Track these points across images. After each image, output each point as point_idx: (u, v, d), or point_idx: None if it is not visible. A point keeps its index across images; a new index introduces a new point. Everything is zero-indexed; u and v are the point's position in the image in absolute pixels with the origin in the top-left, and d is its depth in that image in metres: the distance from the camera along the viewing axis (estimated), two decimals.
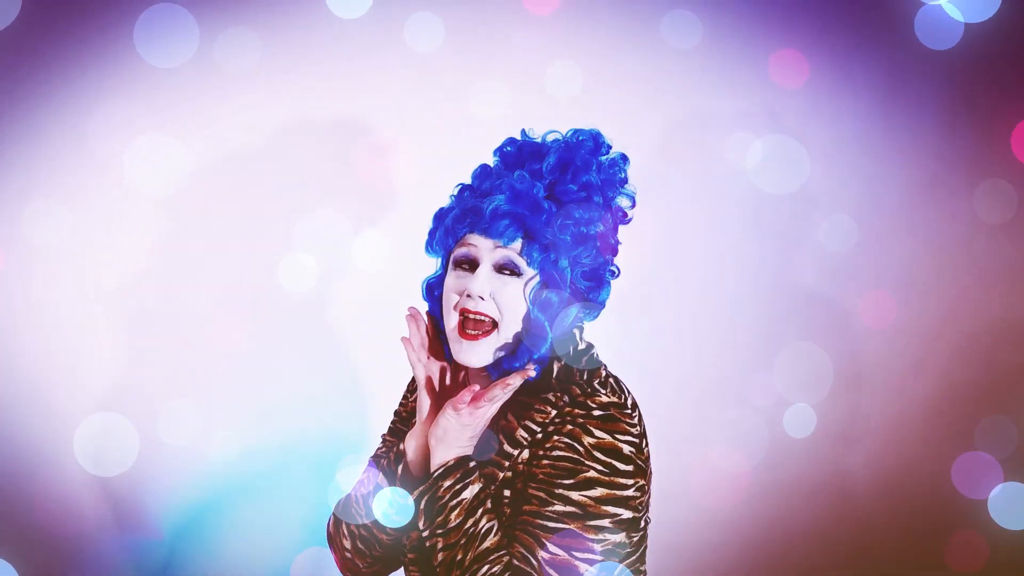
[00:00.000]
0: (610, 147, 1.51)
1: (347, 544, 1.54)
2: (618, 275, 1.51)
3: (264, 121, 2.40)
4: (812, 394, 2.51)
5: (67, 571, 2.38)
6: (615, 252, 1.51)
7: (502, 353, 1.44)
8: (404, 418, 1.68)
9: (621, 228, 1.55)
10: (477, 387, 1.41)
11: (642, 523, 1.45)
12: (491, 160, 1.54)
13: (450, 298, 1.45)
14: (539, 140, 1.51)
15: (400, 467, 1.47)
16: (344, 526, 1.54)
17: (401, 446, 1.49)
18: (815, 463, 2.56)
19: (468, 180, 1.53)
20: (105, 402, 2.38)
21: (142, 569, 2.42)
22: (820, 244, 2.52)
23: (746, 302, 2.54)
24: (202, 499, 2.41)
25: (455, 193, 1.52)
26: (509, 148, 1.51)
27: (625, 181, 1.52)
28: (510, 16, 2.41)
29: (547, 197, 1.44)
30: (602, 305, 1.50)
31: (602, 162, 1.48)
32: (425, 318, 1.51)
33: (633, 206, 1.52)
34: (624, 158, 1.52)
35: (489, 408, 1.41)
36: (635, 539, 1.42)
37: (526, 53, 2.41)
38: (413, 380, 1.70)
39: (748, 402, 2.54)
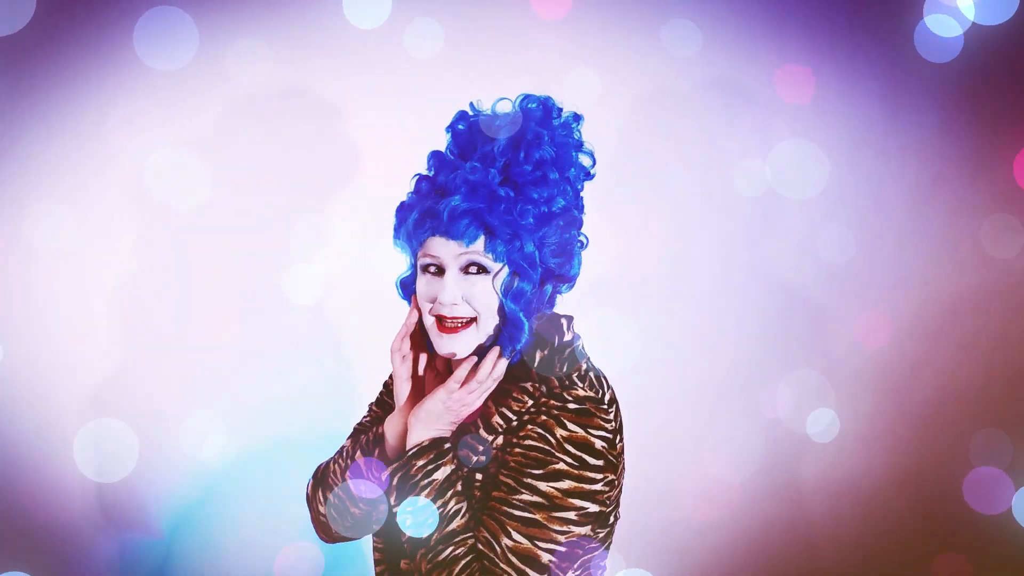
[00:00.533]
0: (560, 110, 1.47)
1: (322, 509, 1.56)
2: (586, 246, 1.49)
3: (268, 122, 2.40)
4: (816, 400, 2.52)
5: (68, 569, 2.39)
6: (580, 224, 1.47)
7: (486, 343, 1.44)
8: (391, 390, 1.67)
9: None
10: (475, 359, 1.42)
11: (611, 519, 1.46)
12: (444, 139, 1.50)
13: (423, 303, 1.44)
14: (489, 112, 1.48)
15: (377, 451, 1.49)
16: (320, 492, 1.56)
17: (380, 428, 1.51)
18: (813, 468, 2.56)
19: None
20: (105, 403, 2.39)
21: (142, 567, 2.44)
22: (824, 250, 2.52)
23: (749, 305, 2.54)
24: (201, 498, 2.43)
25: (413, 183, 1.49)
26: (461, 126, 1.48)
27: (580, 144, 1.47)
28: (520, 21, 2.40)
29: (504, 181, 1.41)
30: (574, 278, 1.48)
31: (555, 127, 1.44)
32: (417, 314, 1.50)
33: (594, 164, 1.48)
34: (576, 118, 1.48)
35: (477, 396, 1.42)
36: (601, 534, 1.43)
37: (538, 58, 2.41)
38: None
39: (749, 407, 2.54)
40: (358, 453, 1.52)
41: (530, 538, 1.35)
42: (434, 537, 1.37)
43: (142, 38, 2.28)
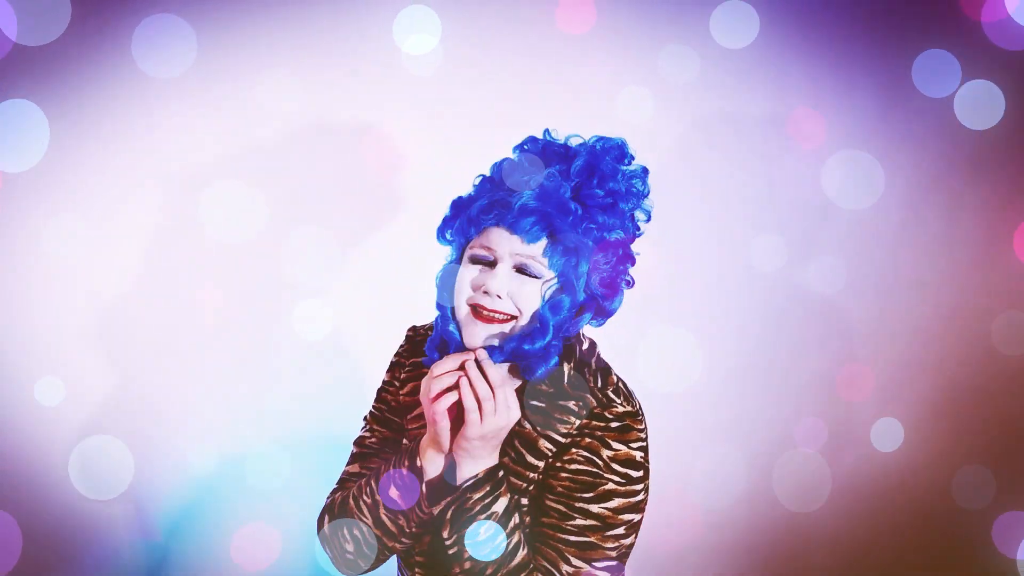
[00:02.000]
0: (633, 158, 1.49)
1: (350, 548, 1.49)
2: (632, 285, 1.49)
3: (278, 130, 2.40)
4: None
5: (67, 570, 2.38)
6: (632, 262, 1.48)
7: (500, 342, 1.42)
8: (395, 408, 1.62)
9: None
10: (454, 394, 1.38)
11: None
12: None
13: (463, 290, 1.42)
14: (562, 141, 1.49)
15: (424, 486, 1.43)
16: (345, 530, 1.49)
17: (419, 461, 1.44)
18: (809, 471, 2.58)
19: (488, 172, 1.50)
20: (106, 405, 2.39)
21: (140, 569, 2.44)
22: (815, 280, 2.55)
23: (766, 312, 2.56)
24: (199, 501, 2.43)
25: (477, 183, 1.48)
26: (528, 147, 1.48)
27: (646, 194, 1.48)
28: (543, 35, 2.39)
29: (572, 199, 1.41)
30: (612, 313, 1.48)
31: (626, 172, 1.46)
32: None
33: (648, 220, 1.50)
34: (645, 171, 1.49)
35: (505, 412, 1.38)
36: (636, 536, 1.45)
37: (560, 72, 2.39)
38: (396, 367, 1.65)
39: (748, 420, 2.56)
40: (392, 489, 1.45)
41: (587, 560, 1.38)
42: (501, 572, 1.36)
43: (142, 45, 2.26)
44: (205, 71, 2.30)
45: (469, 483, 1.38)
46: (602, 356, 1.51)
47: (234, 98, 2.34)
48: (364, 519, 1.47)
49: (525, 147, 1.48)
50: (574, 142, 1.48)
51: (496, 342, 1.41)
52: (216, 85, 2.33)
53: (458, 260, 1.48)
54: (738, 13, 2.39)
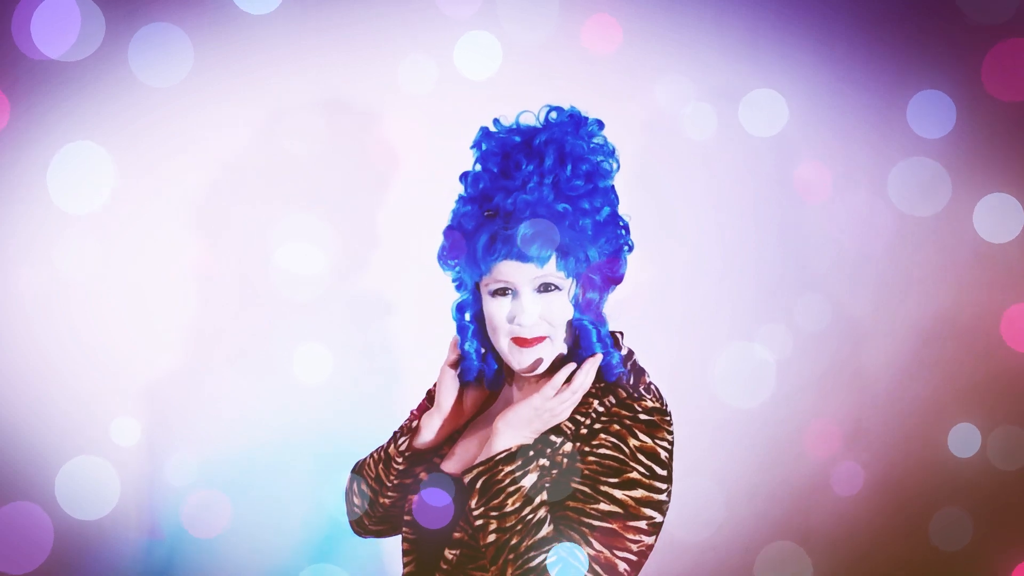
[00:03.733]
0: (587, 118, 1.50)
1: (357, 501, 1.65)
2: (633, 248, 1.53)
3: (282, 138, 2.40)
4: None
5: (68, 570, 2.37)
6: (627, 227, 1.52)
7: (553, 357, 1.50)
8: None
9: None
10: (573, 365, 1.47)
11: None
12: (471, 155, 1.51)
13: (496, 325, 1.48)
14: (513, 126, 1.50)
15: (406, 443, 1.56)
16: (357, 485, 1.65)
17: (417, 422, 1.58)
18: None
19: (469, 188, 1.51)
20: (109, 402, 2.39)
21: (143, 568, 2.43)
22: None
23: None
24: (203, 499, 2.42)
25: (463, 210, 1.49)
26: (486, 145, 1.49)
27: (613, 150, 1.51)
28: (568, 54, 2.37)
29: (556, 197, 1.43)
30: (622, 279, 1.52)
31: (592, 145, 1.48)
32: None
33: (618, 168, 1.52)
34: (600, 124, 1.51)
35: (568, 407, 1.46)
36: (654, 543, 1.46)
37: (584, 92, 2.30)
38: None
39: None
40: (420, 474, 1.57)
41: (609, 547, 1.38)
42: (525, 543, 1.38)
43: (137, 57, 2.24)
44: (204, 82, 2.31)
45: (502, 455, 1.42)
46: (639, 362, 1.54)
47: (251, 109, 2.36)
48: (370, 473, 1.63)
49: (483, 146, 1.49)
50: (525, 119, 1.50)
51: (546, 365, 1.49)
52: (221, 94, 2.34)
53: (473, 290, 1.55)
54: (767, 99, 2.42)
